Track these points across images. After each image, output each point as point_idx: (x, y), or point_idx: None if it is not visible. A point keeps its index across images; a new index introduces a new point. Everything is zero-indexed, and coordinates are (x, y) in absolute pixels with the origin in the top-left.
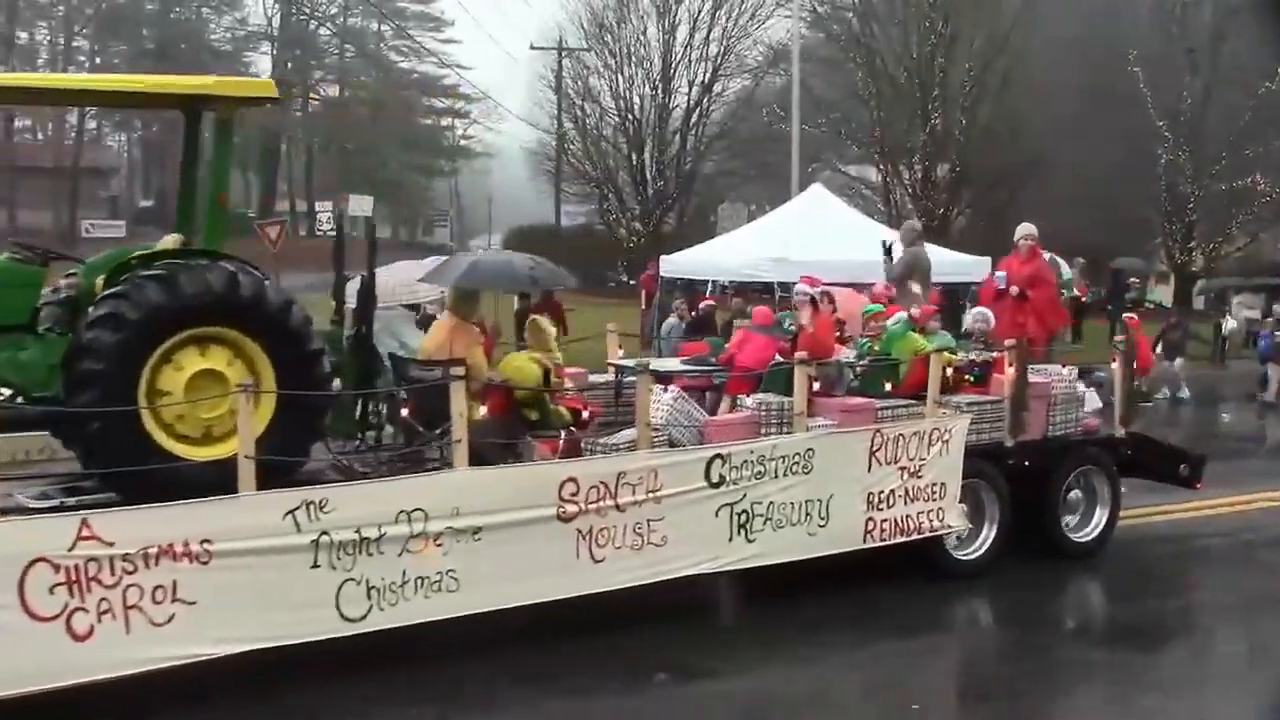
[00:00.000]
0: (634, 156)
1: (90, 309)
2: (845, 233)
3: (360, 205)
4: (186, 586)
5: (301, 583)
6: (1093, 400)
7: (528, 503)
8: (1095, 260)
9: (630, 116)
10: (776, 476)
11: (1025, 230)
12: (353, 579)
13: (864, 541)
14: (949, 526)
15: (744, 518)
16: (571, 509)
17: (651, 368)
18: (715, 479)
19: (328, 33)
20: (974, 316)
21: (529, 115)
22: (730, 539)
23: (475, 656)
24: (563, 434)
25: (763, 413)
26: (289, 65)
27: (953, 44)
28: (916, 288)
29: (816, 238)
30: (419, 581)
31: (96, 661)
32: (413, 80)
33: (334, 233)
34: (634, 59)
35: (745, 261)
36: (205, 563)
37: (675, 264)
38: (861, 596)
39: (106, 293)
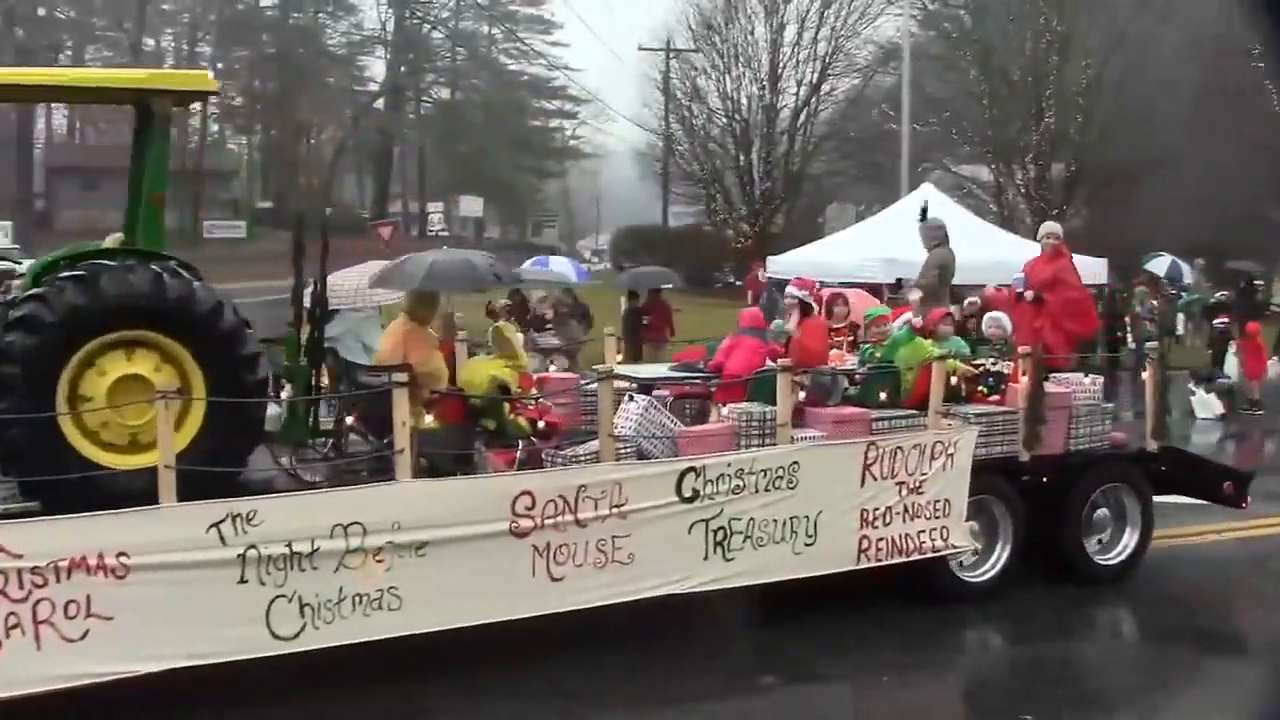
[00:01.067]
0: (741, 157)
1: (10, 311)
2: (955, 233)
3: (470, 206)
4: (102, 601)
5: (228, 599)
6: (1213, 405)
7: (477, 517)
8: (1215, 261)
9: (738, 117)
10: (757, 491)
11: (1047, 229)
12: (284, 595)
13: (858, 562)
14: (954, 547)
15: (721, 535)
16: (526, 524)
17: (637, 374)
18: (688, 493)
19: (440, 36)
20: (988, 321)
21: (637, 116)
22: (706, 557)
23: (566, 655)
24: (520, 445)
25: (743, 423)
26: (402, 69)
27: (1068, 40)
28: (915, 294)
29: None
30: (357, 599)
31: (4, 677)
32: (523, 82)
33: (445, 233)
34: (742, 59)
35: (853, 262)
36: (122, 577)
37: (782, 264)
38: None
39: (25, 294)
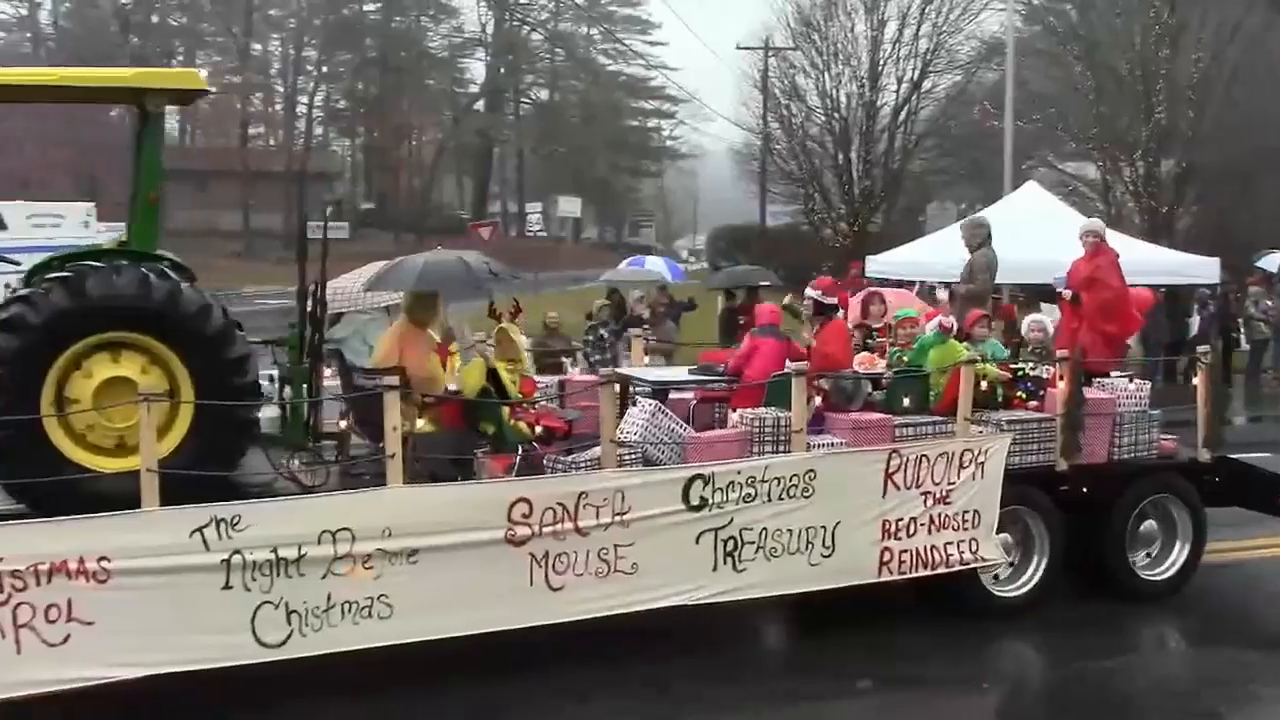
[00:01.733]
0: (840, 155)
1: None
2: (1061, 232)
3: (568, 206)
4: (83, 606)
5: (212, 605)
6: None
7: (472, 524)
8: None
9: (837, 115)
10: (770, 500)
11: (1086, 226)
12: (270, 602)
13: (879, 574)
14: (984, 560)
15: (731, 545)
16: (523, 532)
17: (654, 378)
18: (695, 501)
19: (539, 38)
20: (1029, 323)
21: (734, 115)
22: (715, 568)
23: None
24: (519, 450)
25: (755, 429)
26: (502, 71)
27: (1179, 33)
28: (942, 294)
29: (1030, 237)
30: (346, 606)
31: None
32: (620, 83)
33: (543, 233)
34: (841, 56)
35: (953, 262)
36: (103, 581)
37: (881, 264)
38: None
39: (11, 296)
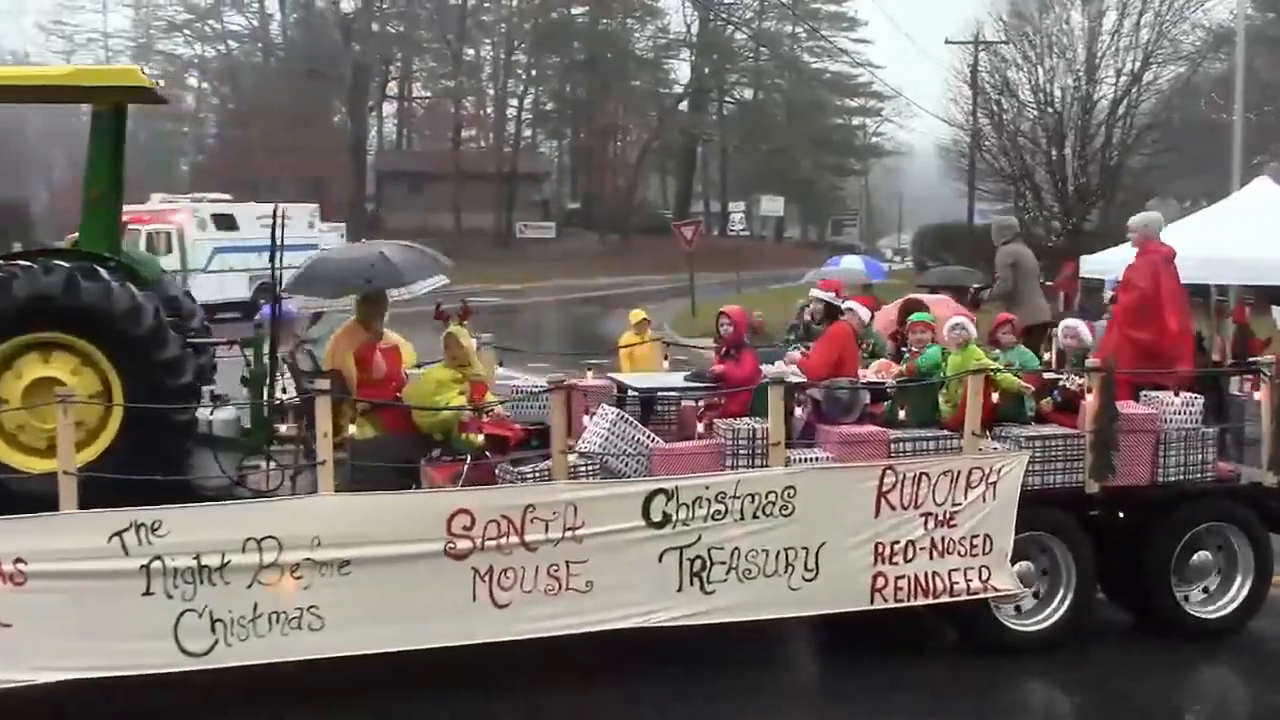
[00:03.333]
0: (1053, 151)
1: None
2: None
3: (771, 206)
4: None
5: (133, 611)
6: None
7: (408, 535)
8: None
9: (1050, 110)
10: (743, 518)
11: (1132, 221)
12: (193, 610)
13: (871, 601)
14: (995, 589)
15: (699, 565)
16: (464, 545)
17: (638, 385)
18: (657, 517)
19: (743, 37)
20: (1063, 330)
21: (942, 111)
22: (681, 588)
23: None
24: (468, 460)
25: (730, 441)
26: (706, 70)
27: None
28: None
29: (1261, 235)
30: (274, 617)
31: None
32: (825, 80)
33: (746, 232)
34: (1056, 49)
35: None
36: (20, 584)
37: (1097, 263)
38: None
39: None
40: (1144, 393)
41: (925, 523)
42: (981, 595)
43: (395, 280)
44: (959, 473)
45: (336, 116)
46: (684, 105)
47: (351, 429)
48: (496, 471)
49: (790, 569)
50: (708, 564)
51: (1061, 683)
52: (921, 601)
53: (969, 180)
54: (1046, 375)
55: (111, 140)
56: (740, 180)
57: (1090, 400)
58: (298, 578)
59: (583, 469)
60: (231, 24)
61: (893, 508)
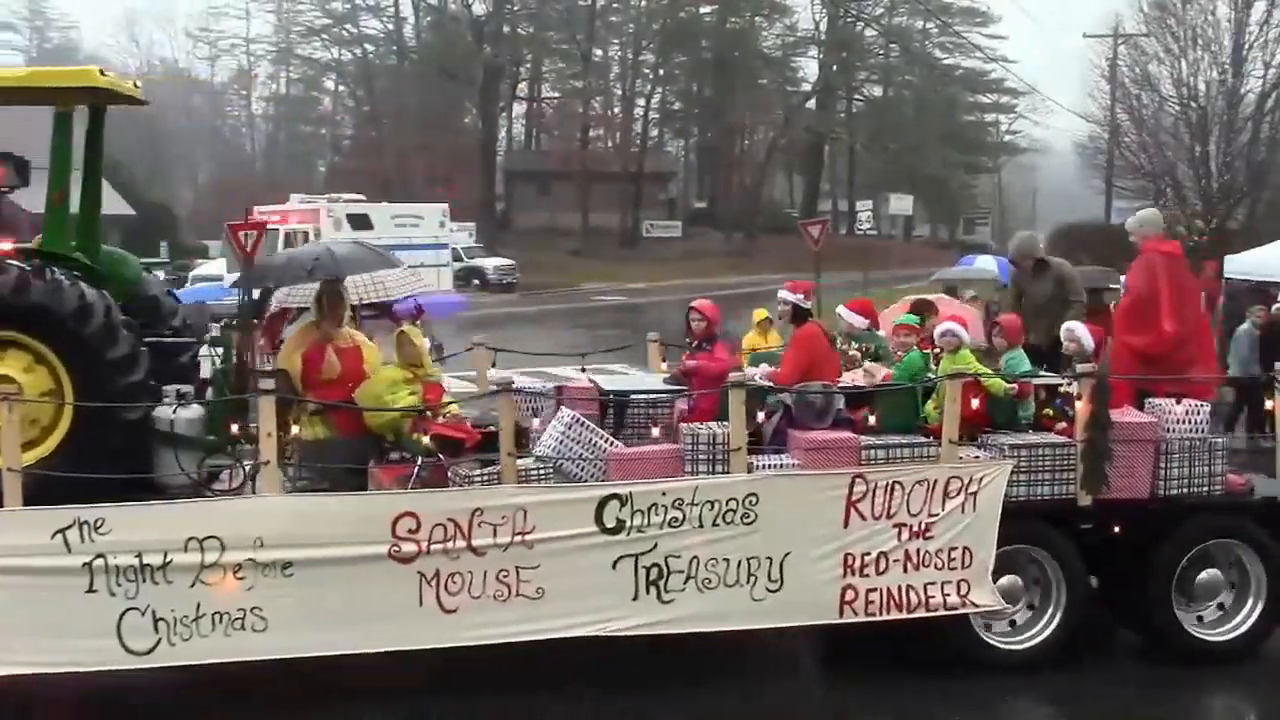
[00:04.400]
0: (1197, 147)
1: None
2: None
3: (900, 204)
4: None
5: (77, 609)
6: None
7: (351, 538)
8: None
9: (1194, 104)
10: (702, 525)
11: (1129, 223)
12: (136, 608)
13: (840, 615)
14: (975, 605)
15: (655, 573)
16: (409, 548)
17: (611, 386)
18: (610, 524)
19: (873, 33)
20: (1064, 333)
21: (1079, 107)
22: (636, 597)
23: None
24: (418, 462)
25: (690, 445)
26: (834, 68)
27: None
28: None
29: None
30: (217, 617)
31: None
32: (957, 77)
33: (873, 231)
34: (1200, 41)
35: None
36: None
37: (1243, 264)
38: None
39: None
40: (1149, 400)
41: (899, 534)
42: (960, 611)
43: (338, 271)
44: (935, 482)
45: (467, 117)
46: (811, 103)
47: (294, 429)
48: (449, 474)
49: (753, 579)
50: (665, 572)
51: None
52: (895, 616)
53: (1106, 178)
54: (1038, 382)
55: (67, 142)
56: (868, 178)
57: (1081, 407)
58: (240, 578)
59: (535, 473)
60: (367, 28)
61: (863, 517)
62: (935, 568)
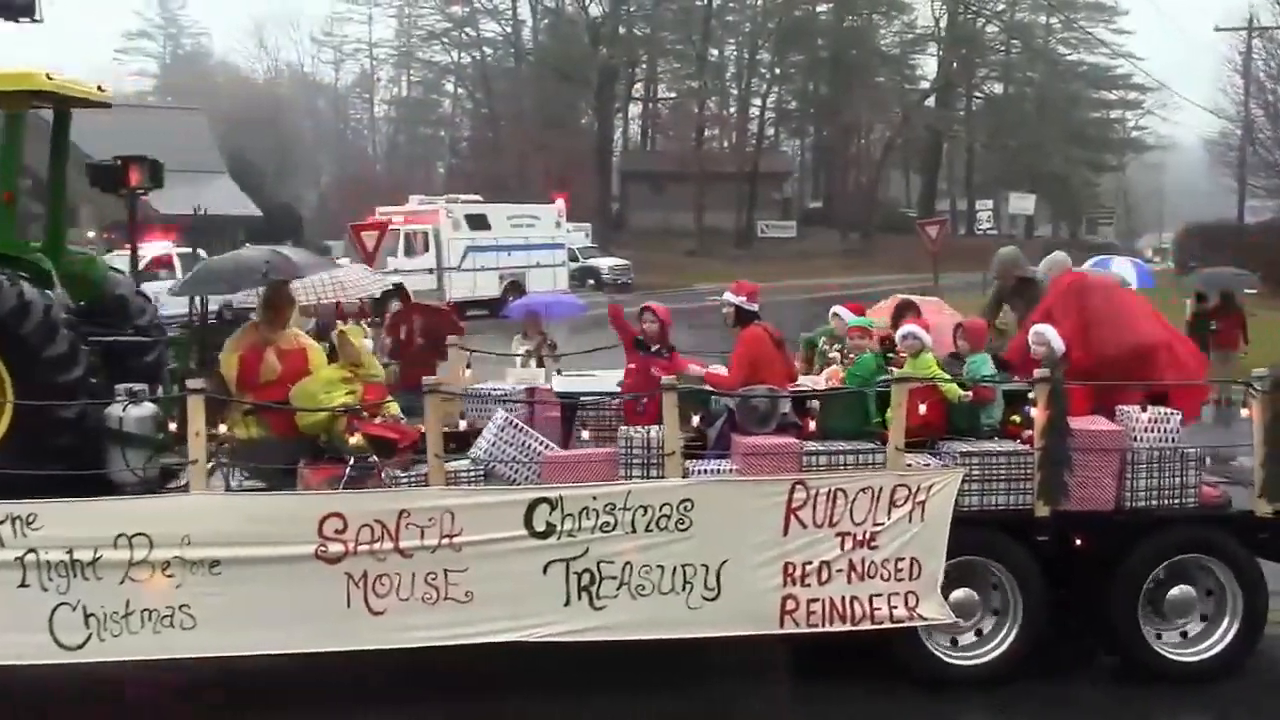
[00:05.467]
0: None
1: None
2: None
3: (1020, 203)
4: None
5: (10, 602)
6: None
7: (278, 537)
8: None
9: None
10: (635, 531)
11: (1040, 270)
12: (67, 603)
13: (781, 625)
14: (923, 618)
15: (587, 578)
16: (336, 549)
17: (563, 388)
18: (540, 527)
19: (994, 30)
20: (1033, 336)
21: (1210, 102)
22: (568, 603)
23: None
24: (350, 462)
25: (625, 449)
26: (954, 65)
27: None
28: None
29: None
30: (147, 614)
31: None
32: (1081, 73)
33: (993, 231)
34: None
35: None
36: None
37: None
38: None
39: None
40: (1118, 408)
41: (842, 543)
42: (908, 624)
43: (292, 272)
44: (881, 490)
45: (583, 118)
46: (930, 100)
47: (222, 428)
48: (384, 475)
49: (689, 587)
50: (597, 578)
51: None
52: (839, 628)
53: (1239, 175)
54: (1006, 387)
55: (13, 142)
56: (988, 177)
57: (1038, 413)
58: (169, 576)
59: (466, 475)
60: (486, 31)
61: (804, 525)
62: (881, 578)
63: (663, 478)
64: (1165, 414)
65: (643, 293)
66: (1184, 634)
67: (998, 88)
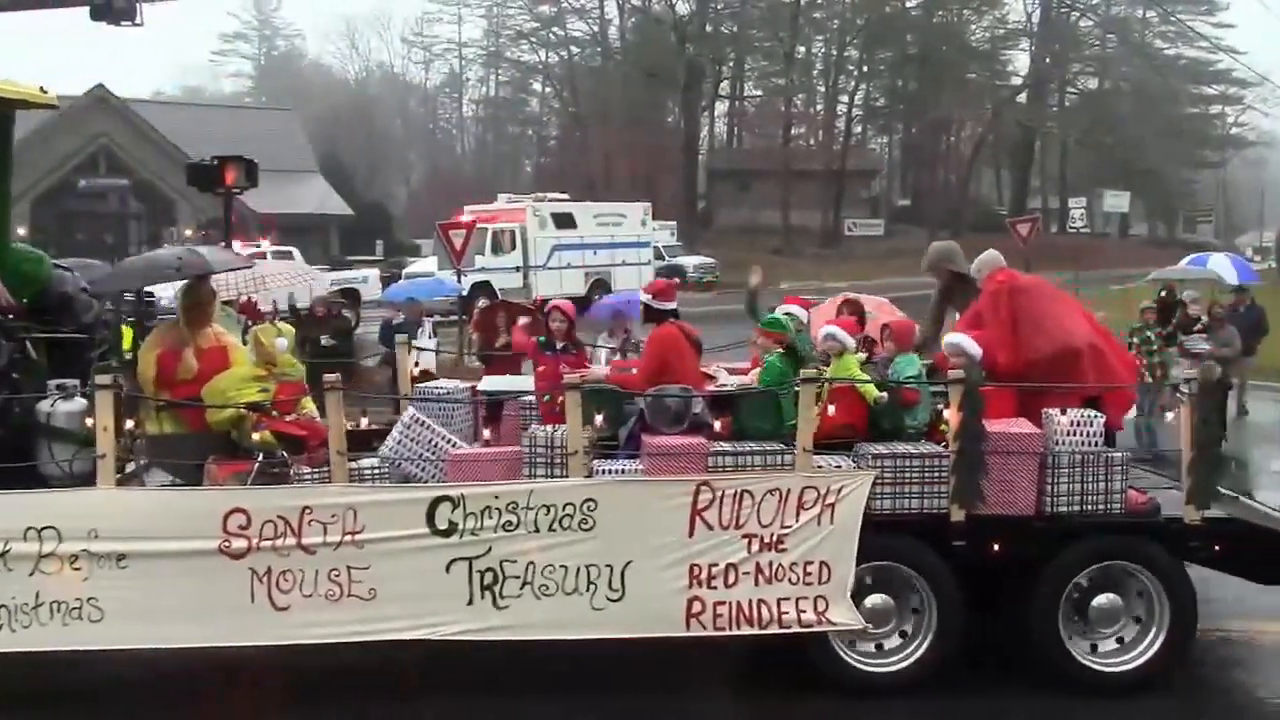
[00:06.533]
0: None
1: None
2: None
3: (1115, 201)
4: None
5: None
6: None
7: (182, 532)
8: None
9: None
10: (538, 530)
11: (974, 269)
12: None
13: (687, 627)
14: (832, 623)
15: (491, 578)
16: (240, 544)
17: (488, 387)
18: (443, 526)
19: (1089, 24)
20: (948, 346)
21: None
22: (471, 602)
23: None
24: (258, 458)
25: (530, 448)
26: (1047, 60)
27: None
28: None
29: None
30: (55, 606)
31: None
32: (1179, 67)
33: (1086, 229)
34: None
35: None
36: None
37: None
38: None
39: None
40: (1044, 411)
41: (749, 545)
42: (816, 629)
43: (204, 268)
44: (789, 492)
45: (670, 117)
46: (1021, 97)
47: (129, 424)
48: (293, 472)
49: (593, 588)
50: (500, 577)
51: None
52: (747, 631)
53: None
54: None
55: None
56: (1081, 174)
57: (951, 415)
58: (76, 569)
59: (371, 473)
60: (573, 30)
61: (709, 527)
62: (789, 582)
63: (566, 477)
64: (1088, 417)
65: (724, 291)
66: (1113, 643)
67: (1092, 83)
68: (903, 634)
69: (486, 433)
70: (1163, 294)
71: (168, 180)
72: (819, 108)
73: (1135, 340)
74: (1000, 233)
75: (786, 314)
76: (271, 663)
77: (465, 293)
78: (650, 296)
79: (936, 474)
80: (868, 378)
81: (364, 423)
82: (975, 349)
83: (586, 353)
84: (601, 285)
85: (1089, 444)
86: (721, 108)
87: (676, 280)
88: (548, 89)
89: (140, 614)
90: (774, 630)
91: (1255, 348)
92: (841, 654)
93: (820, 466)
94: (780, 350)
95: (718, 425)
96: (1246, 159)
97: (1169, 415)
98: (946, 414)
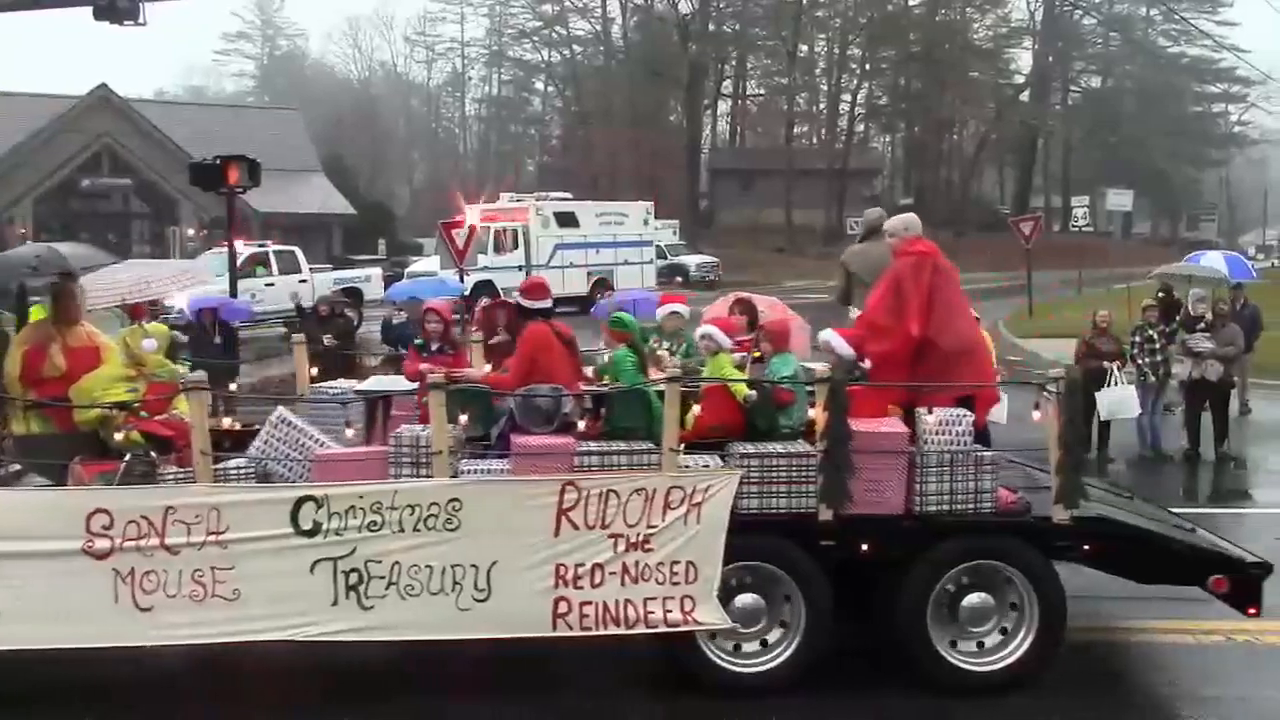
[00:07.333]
0: None
1: None
2: None
3: (1118, 200)
4: None
5: None
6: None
7: (47, 532)
8: None
9: None
10: (402, 530)
11: (894, 224)
12: None
13: (554, 628)
14: (699, 623)
15: (356, 578)
16: (103, 545)
17: (367, 388)
18: (307, 526)
19: (1092, 22)
20: (821, 344)
21: None
22: (335, 602)
23: None
24: (124, 459)
25: (395, 448)
26: (1050, 59)
27: None
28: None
29: None
30: None
31: None
32: (1182, 66)
33: (1089, 228)
34: None
35: None
36: None
37: None
38: None
39: None
40: (918, 410)
41: (615, 545)
42: (683, 629)
43: (63, 266)
44: (654, 491)
45: (673, 116)
46: (1024, 95)
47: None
48: (160, 472)
49: (458, 588)
50: (365, 578)
51: None
52: (614, 631)
53: None
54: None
55: None
56: (1084, 173)
57: (818, 414)
58: None
59: (236, 473)
60: (576, 29)
61: (575, 527)
62: (656, 582)
63: (430, 477)
64: (956, 416)
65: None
66: (980, 644)
67: (1095, 82)
68: (774, 633)
69: (349, 432)
70: (1160, 295)
71: (170, 180)
72: (822, 106)
73: (1137, 339)
74: (1003, 231)
75: (672, 312)
76: (273, 663)
77: (468, 292)
78: (521, 295)
79: (804, 473)
80: (741, 376)
81: (226, 422)
82: (846, 349)
83: (466, 353)
84: (604, 284)
85: (958, 442)
86: (724, 106)
87: (544, 279)
88: (550, 88)
89: (9, 616)
90: (641, 630)
91: (1253, 344)
92: (709, 654)
93: (687, 466)
94: (628, 346)
95: (582, 425)
96: (1250, 157)
97: (1175, 412)
98: (812, 413)
